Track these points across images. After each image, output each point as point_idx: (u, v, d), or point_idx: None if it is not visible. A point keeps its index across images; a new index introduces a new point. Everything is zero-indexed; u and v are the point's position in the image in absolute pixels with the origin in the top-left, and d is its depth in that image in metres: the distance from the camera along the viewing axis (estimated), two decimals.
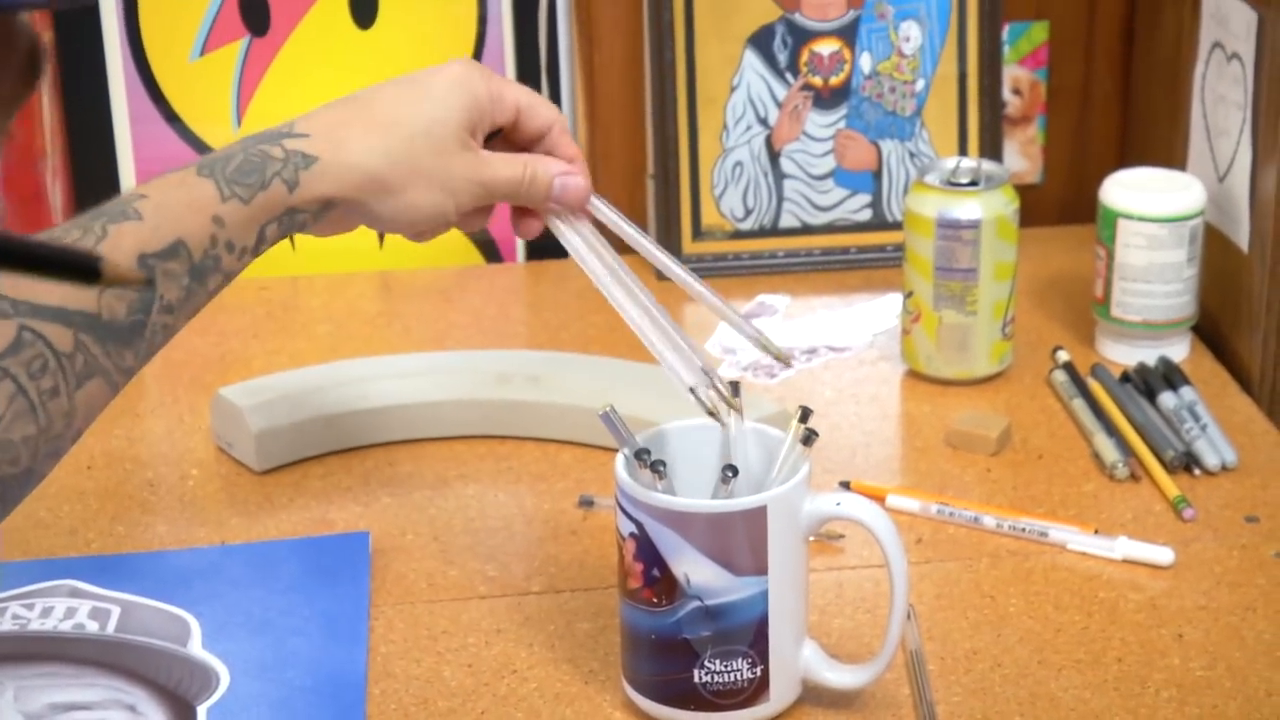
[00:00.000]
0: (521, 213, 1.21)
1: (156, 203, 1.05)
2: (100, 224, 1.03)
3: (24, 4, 0.60)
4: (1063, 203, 1.83)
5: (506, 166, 1.17)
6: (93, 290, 0.98)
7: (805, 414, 1.14)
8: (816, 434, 1.13)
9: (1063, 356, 1.54)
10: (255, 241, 1.09)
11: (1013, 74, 1.79)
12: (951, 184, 1.50)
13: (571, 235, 1.21)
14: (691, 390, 1.13)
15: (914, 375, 1.54)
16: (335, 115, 1.14)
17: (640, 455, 1.11)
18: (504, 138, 1.19)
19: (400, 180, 1.13)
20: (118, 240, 1.01)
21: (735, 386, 1.15)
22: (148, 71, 1.71)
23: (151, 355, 1.05)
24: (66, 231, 1.02)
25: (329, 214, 1.13)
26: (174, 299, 1.04)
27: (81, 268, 0.62)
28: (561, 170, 1.18)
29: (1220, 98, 1.58)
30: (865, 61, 1.72)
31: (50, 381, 0.95)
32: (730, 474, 1.12)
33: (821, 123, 1.73)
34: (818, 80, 1.72)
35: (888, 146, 1.74)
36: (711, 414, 1.13)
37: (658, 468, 1.11)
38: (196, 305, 1.07)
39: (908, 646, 1.18)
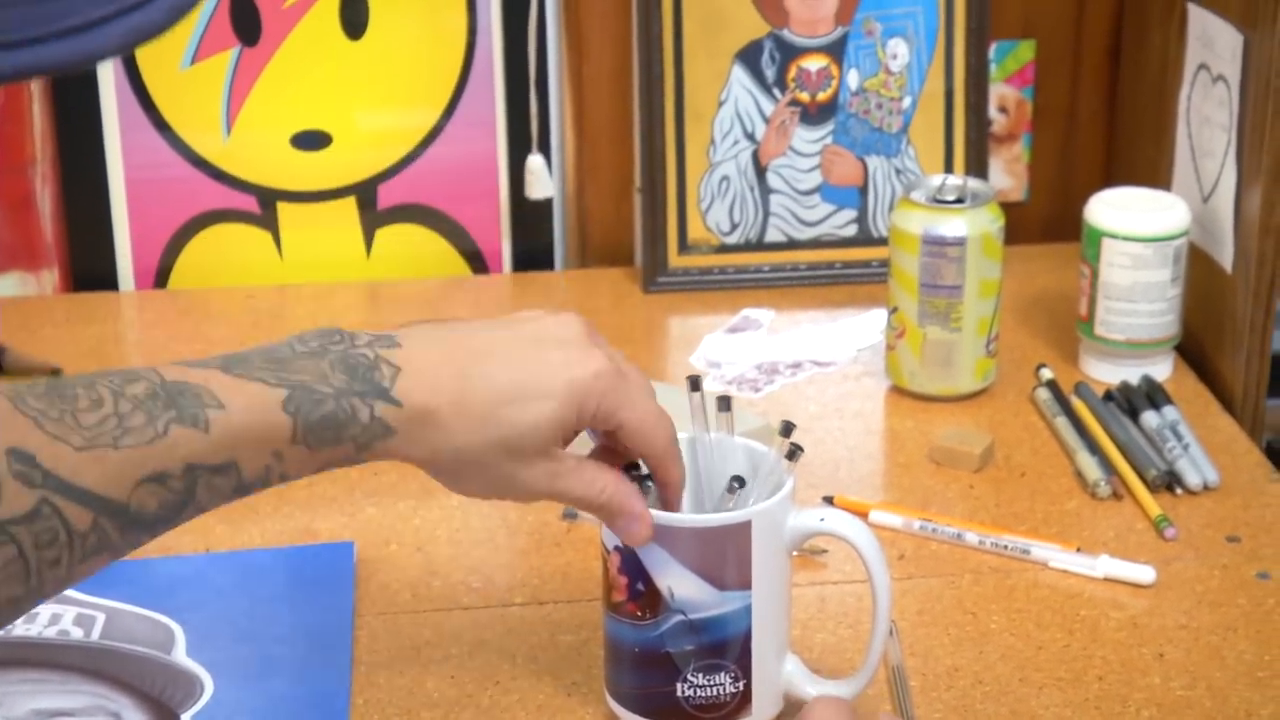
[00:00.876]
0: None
1: (229, 421, 0.96)
2: (165, 421, 0.94)
3: (20, 75, 0.58)
4: (1047, 221, 1.83)
5: (582, 486, 1.07)
6: (131, 481, 0.92)
7: (787, 428, 1.14)
8: (801, 449, 1.13)
9: (1046, 374, 1.55)
10: (302, 476, 1.02)
11: (999, 92, 1.80)
12: (937, 201, 1.51)
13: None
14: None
15: (898, 391, 1.55)
16: (439, 382, 1.03)
17: (629, 469, 1.11)
18: (602, 446, 1.11)
19: (469, 474, 1.05)
20: (174, 442, 0.94)
21: (725, 401, 1.16)
22: (138, 79, 1.71)
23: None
24: (133, 411, 0.94)
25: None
26: (207, 504, 0.98)
27: None
28: (632, 516, 1.09)
29: (1205, 119, 1.58)
30: (853, 78, 1.73)
31: (55, 554, 0.90)
32: (737, 484, 1.12)
33: (808, 138, 1.74)
34: (805, 96, 1.73)
35: (874, 163, 1.75)
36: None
37: (645, 483, 1.11)
38: (227, 503, 1.00)
39: (890, 662, 1.19)
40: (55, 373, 0.58)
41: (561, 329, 1.07)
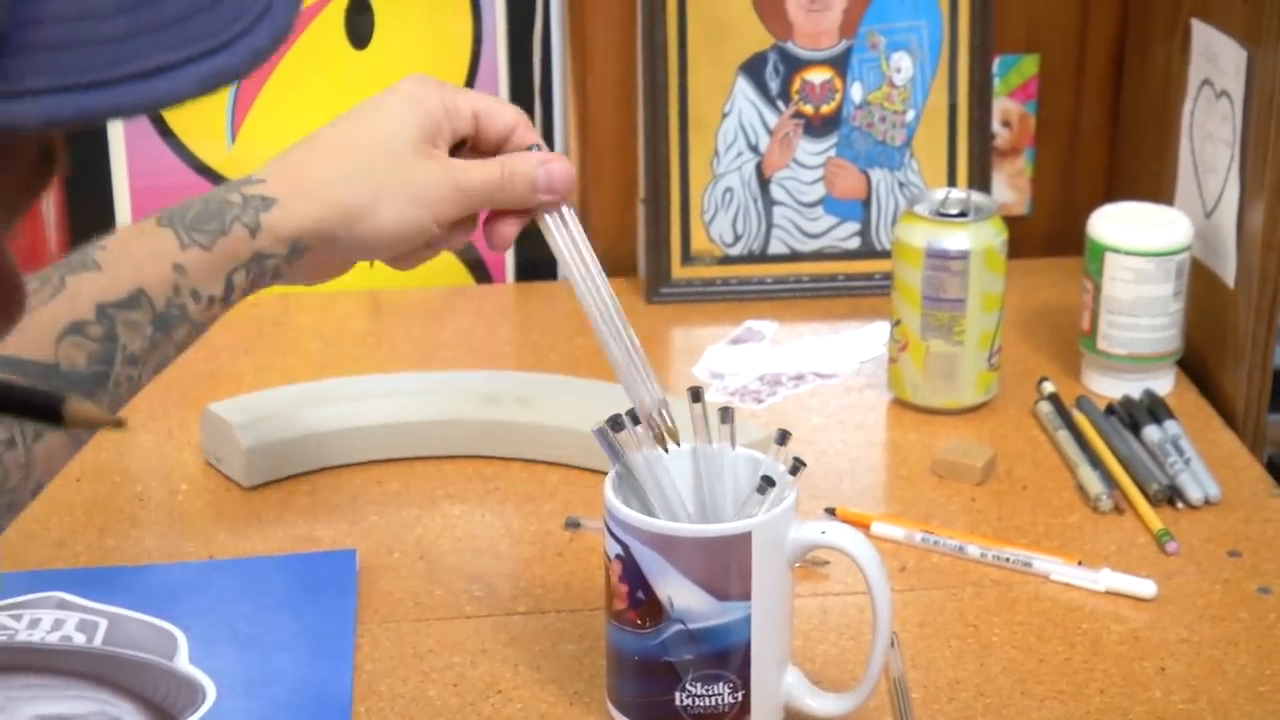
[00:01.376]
0: (495, 219, 1.16)
1: (115, 253, 1.02)
2: (59, 275, 0.99)
3: (85, 119, 0.56)
4: (1050, 235, 1.84)
5: (480, 168, 1.13)
6: (50, 337, 0.95)
7: (783, 437, 1.14)
8: (804, 463, 1.13)
9: (1048, 388, 1.55)
10: (224, 290, 1.06)
11: (1002, 106, 1.80)
12: (941, 214, 1.51)
13: (559, 234, 1.16)
14: (630, 415, 1.13)
15: (900, 404, 1.55)
16: (290, 156, 1.12)
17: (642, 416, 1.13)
18: (470, 148, 1.16)
19: (366, 202, 1.10)
20: (75, 290, 0.98)
21: (726, 412, 1.16)
22: None
23: (117, 410, 1.01)
24: (28, 283, 0.99)
25: (303, 256, 1.10)
26: (137, 350, 1.00)
27: (44, 409, 0.59)
28: (541, 159, 1.14)
29: (1209, 134, 1.59)
30: (856, 91, 1.73)
31: (4, 433, 0.91)
32: (768, 485, 1.12)
33: (812, 150, 1.74)
34: (809, 108, 1.73)
35: (877, 176, 1.75)
36: (659, 440, 1.14)
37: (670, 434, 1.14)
38: (164, 357, 1.04)
39: (891, 674, 1.19)
40: (119, 425, 0.57)
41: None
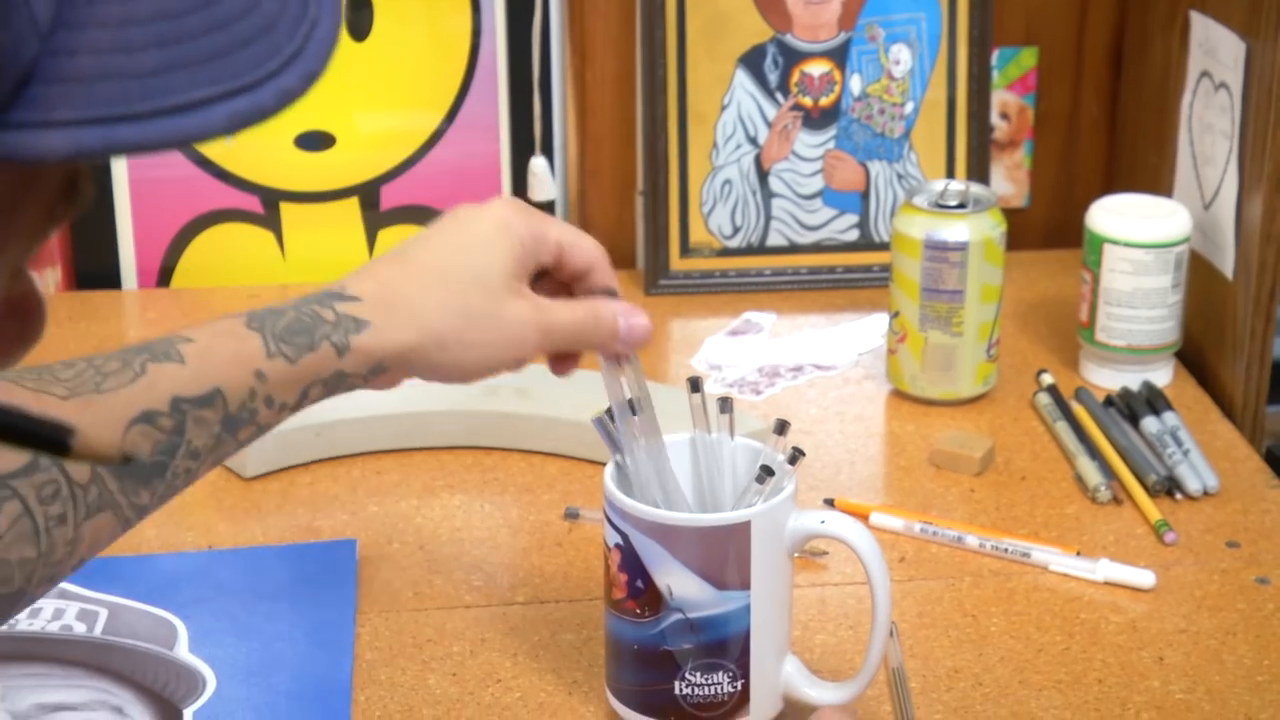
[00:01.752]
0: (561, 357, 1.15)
1: (201, 349, 1.00)
2: (141, 361, 0.98)
3: (111, 152, 0.55)
4: (1049, 227, 1.84)
5: (568, 311, 1.11)
6: (121, 422, 0.93)
7: (782, 426, 1.15)
8: (802, 453, 1.14)
9: (1047, 379, 1.55)
10: (297, 400, 1.04)
11: (1001, 98, 1.80)
12: (939, 206, 1.51)
13: (621, 385, 1.14)
14: (629, 405, 1.13)
15: (899, 395, 1.55)
16: (384, 273, 1.09)
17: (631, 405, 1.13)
18: (547, 276, 1.14)
19: (456, 334, 1.07)
20: (154, 379, 0.97)
21: (725, 402, 1.16)
22: None
23: (169, 498, 1.01)
24: (108, 360, 0.97)
25: (380, 375, 1.08)
26: (201, 445, 0.99)
27: (50, 441, 0.58)
28: (625, 309, 1.12)
29: (1207, 126, 1.59)
30: (855, 83, 1.74)
31: (59, 509, 0.90)
32: (766, 474, 1.12)
33: (811, 143, 1.74)
34: (808, 101, 1.74)
35: (876, 168, 1.75)
36: None
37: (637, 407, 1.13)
38: (224, 453, 1.02)
39: (889, 664, 1.19)
40: (127, 460, 0.57)
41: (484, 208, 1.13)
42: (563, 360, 1.15)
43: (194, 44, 0.54)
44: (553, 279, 1.14)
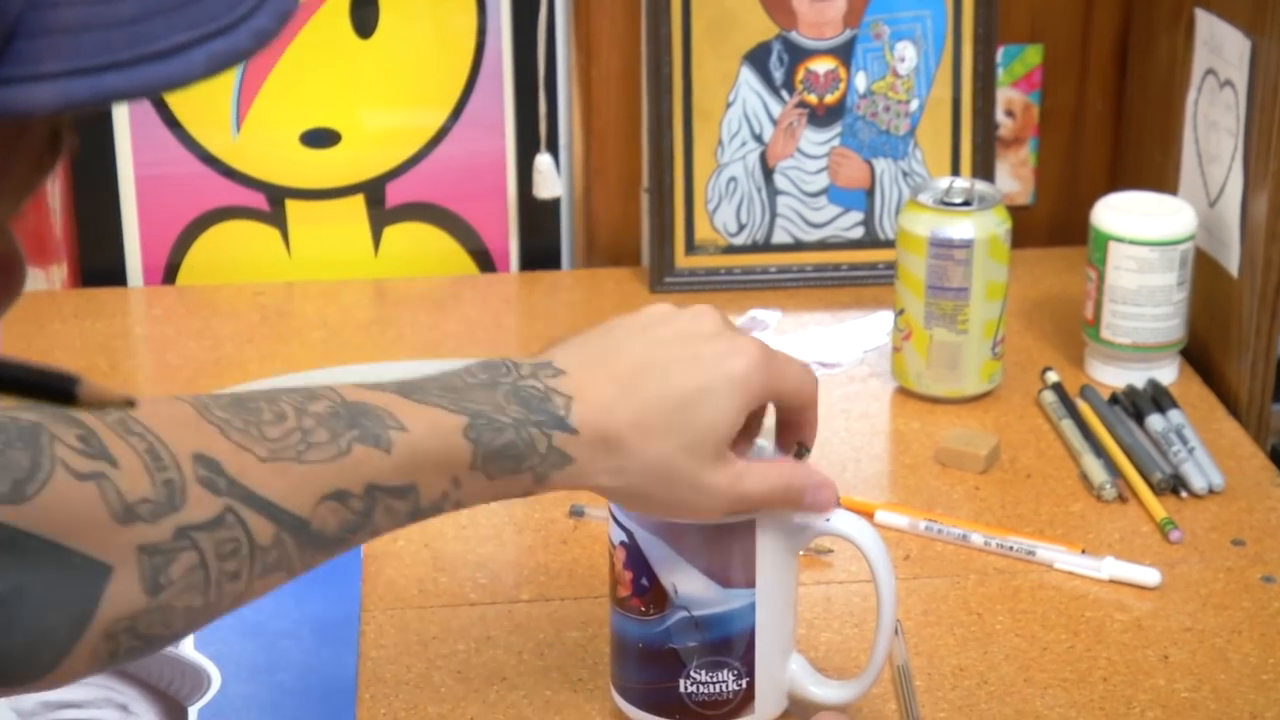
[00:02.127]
0: None
1: (412, 444, 0.96)
2: (349, 440, 0.94)
3: (96, 102, 0.56)
4: (1054, 224, 1.84)
5: (764, 481, 1.07)
6: (314, 495, 0.92)
7: (780, 425, 1.14)
8: (808, 449, 1.14)
9: (1052, 377, 1.55)
10: (473, 505, 1.02)
11: (1006, 96, 1.80)
12: (944, 203, 1.51)
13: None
14: None
15: (904, 392, 1.55)
16: (609, 398, 1.03)
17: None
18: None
19: (649, 491, 1.05)
20: (357, 461, 0.94)
21: None
22: None
23: (329, 558, 0.98)
24: (317, 428, 0.94)
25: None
26: (385, 527, 0.97)
27: (56, 391, 0.58)
28: (816, 483, 1.09)
29: (1212, 124, 1.59)
30: (860, 80, 1.74)
31: (235, 566, 0.89)
32: (804, 450, 1.12)
33: (816, 140, 1.74)
34: (813, 98, 1.74)
35: (881, 165, 1.75)
36: None
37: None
38: (399, 528, 1.00)
39: (894, 662, 1.19)
40: (130, 404, 0.57)
41: (701, 323, 1.07)
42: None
43: None
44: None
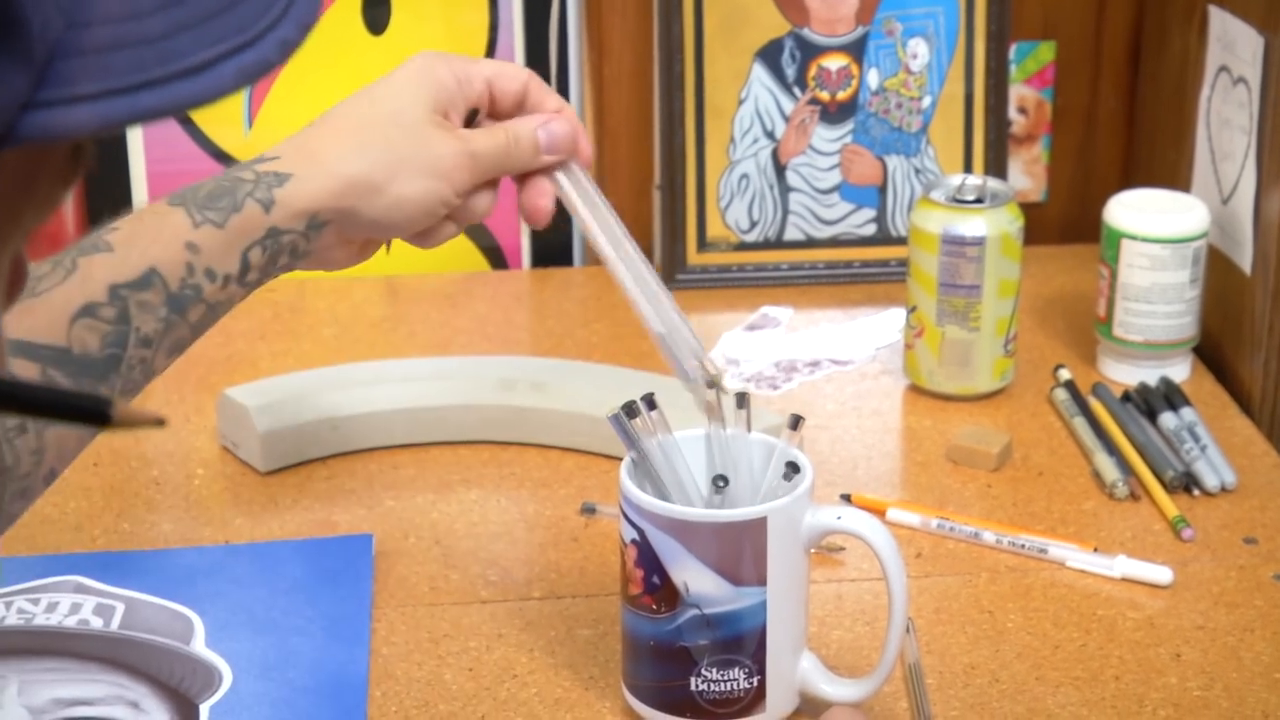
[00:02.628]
0: (526, 189, 1.17)
1: (127, 234, 1.01)
2: (70, 258, 0.99)
3: (130, 121, 0.56)
4: (1066, 222, 1.83)
5: (488, 135, 1.14)
6: (63, 320, 0.94)
7: (795, 421, 1.15)
8: (802, 418, 1.14)
9: (1064, 375, 1.55)
10: (240, 269, 1.05)
11: (1019, 93, 1.80)
12: (957, 201, 1.51)
13: (574, 191, 1.18)
14: (645, 400, 1.14)
15: (916, 390, 1.55)
16: (303, 134, 1.12)
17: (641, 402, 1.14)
18: (487, 115, 1.17)
19: (383, 175, 1.10)
20: (87, 272, 0.97)
21: (742, 398, 1.16)
22: None
23: (132, 393, 1.01)
24: (38, 268, 0.98)
25: (321, 232, 1.09)
26: (150, 331, 0.99)
27: (91, 413, 0.59)
28: (542, 120, 1.15)
29: (1226, 121, 1.58)
30: (873, 77, 1.73)
31: (14, 419, 0.90)
32: (721, 484, 1.13)
33: (828, 137, 1.74)
34: (825, 95, 1.73)
35: (893, 162, 1.75)
36: (712, 384, 1.14)
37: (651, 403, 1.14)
38: (179, 339, 1.03)
39: (906, 660, 1.19)
40: (160, 423, 0.58)
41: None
42: (526, 199, 1.17)
43: (194, 3, 0.55)
44: (491, 119, 1.16)
